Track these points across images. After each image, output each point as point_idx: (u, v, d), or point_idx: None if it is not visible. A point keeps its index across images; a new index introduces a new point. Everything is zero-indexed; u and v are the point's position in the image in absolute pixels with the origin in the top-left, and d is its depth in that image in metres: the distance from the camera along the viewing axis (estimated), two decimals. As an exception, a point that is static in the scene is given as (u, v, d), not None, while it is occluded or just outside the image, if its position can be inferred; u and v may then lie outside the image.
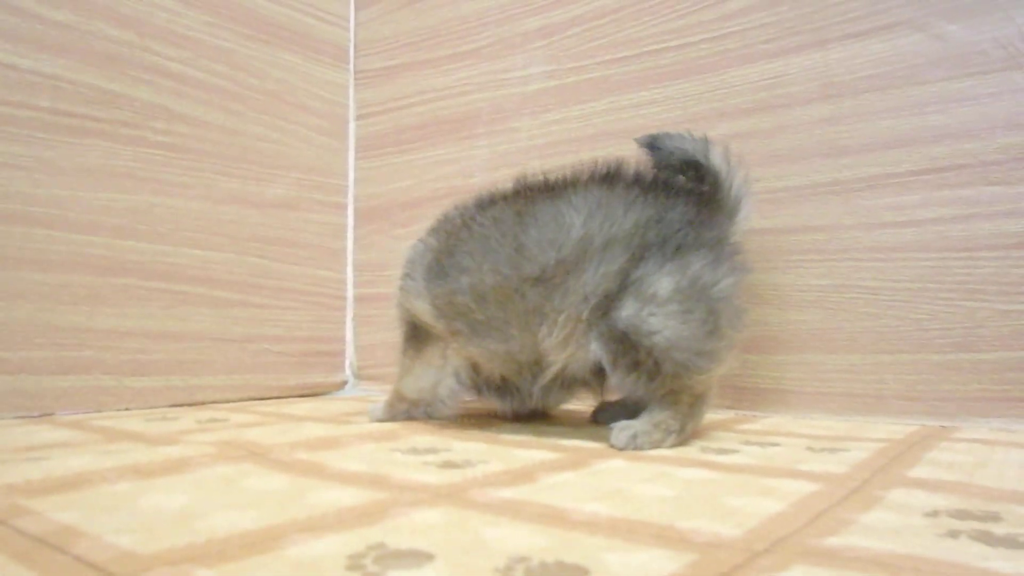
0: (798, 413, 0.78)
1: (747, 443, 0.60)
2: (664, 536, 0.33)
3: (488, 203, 0.70)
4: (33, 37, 0.80)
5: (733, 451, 0.56)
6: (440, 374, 0.70)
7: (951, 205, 0.72)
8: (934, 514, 0.37)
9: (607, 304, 0.59)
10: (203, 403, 0.93)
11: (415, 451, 0.55)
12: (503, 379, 0.68)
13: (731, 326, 0.59)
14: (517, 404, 0.70)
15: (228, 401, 0.96)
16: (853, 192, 0.77)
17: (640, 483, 0.44)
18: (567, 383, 0.66)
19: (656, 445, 0.58)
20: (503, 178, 0.98)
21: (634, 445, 0.57)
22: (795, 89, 0.80)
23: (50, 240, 0.81)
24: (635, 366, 0.57)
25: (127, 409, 0.85)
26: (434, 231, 0.73)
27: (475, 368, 0.69)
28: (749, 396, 0.81)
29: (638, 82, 0.91)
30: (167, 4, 0.92)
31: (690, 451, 0.56)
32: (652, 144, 0.68)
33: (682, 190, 0.64)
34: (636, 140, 0.69)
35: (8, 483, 0.42)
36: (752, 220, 0.66)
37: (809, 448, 0.57)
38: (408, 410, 0.73)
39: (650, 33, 0.90)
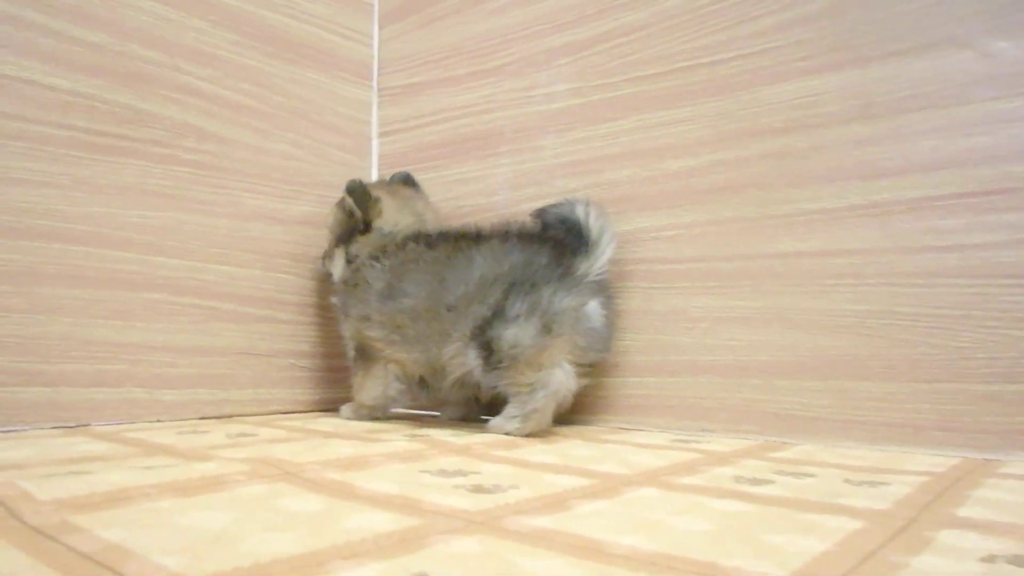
0: (828, 441, 0.77)
1: (780, 472, 0.59)
2: (708, 575, 0.32)
3: (435, 242, 0.89)
4: (69, 58, 0.81)
5: (767, 481, 0.55)
6: (385, 382, 0.91)
7: (998, 230, 0.70)
8: (991, 559, 0.35)
9: (483, 326, 0.80)
10: (230, 416, 0.94)
11: (444, 473, 0.55)
12: (421, 378, 0.90)
13: (571, 329, 0.79)
14: (431, 396, 0.93)
15: (254, 415, 0.97)
16: (892, 215, 0.75)
17: (675, 515, 0.43)
18: (466, 384, 0.86)
19: (506, 431, 0.79)
20: (526, 197, 1.00)
21: (493, 432, 0.80)
22: (831, 108, 0.79)
23: (85, 257, 0.82)
24: (494, 364, 0.79)
25: (158, 421, 0.86)
26: (388, 252, 0.91)
27: (403, 369, 0.90)
28: (776, 422, 0.80)
29: (667, 100, 0.90)
30: (195, 24, 0.93)
31: (723, 480, 0.55)
32: (539, 214, 0.89)
33: (549, 239, 0.84)
34: (530, 215, 0.90)
35: (56, 498, 0.42)
36: (614, 254, 0.84)
37: (847, 480, 0.56)
38: (370, 412, 0.93)
39: (680, 50, 0.90)
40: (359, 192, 0.93)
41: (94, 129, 0.83)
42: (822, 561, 0.35)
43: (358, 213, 0.93)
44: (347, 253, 0.95)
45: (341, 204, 0.96)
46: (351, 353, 0.95)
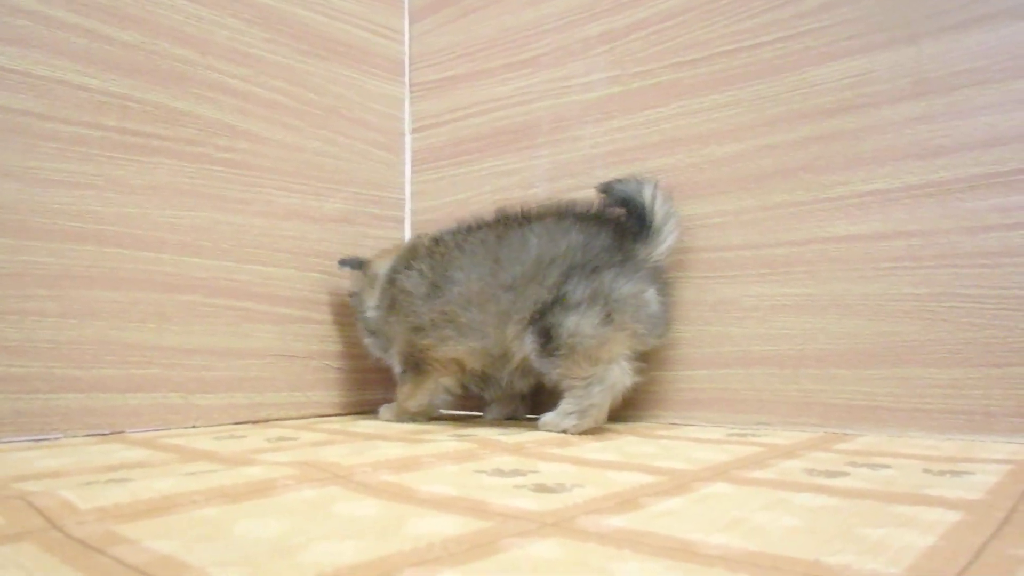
0: (893, 431, 0.74)
1: (853, 464, 0.56)
2: (816, 575, 0.29)
3: (474, 228, 0.87)
4: (102, 57, 0.80)
5: (842, 473, 0.52)
6: (434, 393, 0.89)
7: (1064, 205, 0.67)
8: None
9: (543, 310, 0.78)
10: (266, 420, 0.93)
11: (501, 473, 0.53)
12: (482, 372, 0.87)
13: (632, 319, 0.77)
14: (494, 390, 0.91)
15: (291, 418, 0.95)
16: (951, 194, 0.72)
17: (758, 511, 0.41)
18: (525, 372, 0.84)
19: (561, 428, 0.77)
20: (565, 188, 0.98)
21: (546, 429, 0.78)
22: (883, 87, 0.76)
23: (119, 258, 0.80)
24: (551, 351, 0.77)
25: (193, 427, 0.85)
26: (426, 255, 0.89)
27: (460, 367, 0.87)
28: (838, 413, 0.77)
29: (709, 85, 0.88)
30: (228, 22, 0.92)
31: (796, 473, 0.52)
32: (605, 189, 0.85)
33: (609, 221, 0.82)
34: (595, 188, 0.86)
35: (98, 507, 0.40)
36: (676, 242, 0.82)
37: (926, 471, 0.53)
38: (411, 418, 0.91)
39: (721, 34, 0.87)
40: (350, 261, 0.98)
41: (127, 129, 0.82)
42: (933, 556, 0.32)
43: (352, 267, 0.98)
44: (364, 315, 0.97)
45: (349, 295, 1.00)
46: (398, 368, 0.92)
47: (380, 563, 0.31)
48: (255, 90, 0.95)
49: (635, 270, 0.78)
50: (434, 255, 0.88)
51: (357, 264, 0.98)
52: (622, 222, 0.82)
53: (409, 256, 0.90)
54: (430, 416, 0.92)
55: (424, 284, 0.86)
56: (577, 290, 0.76)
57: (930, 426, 0.72)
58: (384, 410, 0.94)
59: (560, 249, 0.79)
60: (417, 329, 0.86)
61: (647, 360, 0.84)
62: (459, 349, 0.85)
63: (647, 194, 0.81)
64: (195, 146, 0.88)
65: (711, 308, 0.86)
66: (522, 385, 0.88)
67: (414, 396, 0.89)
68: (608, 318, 0.76)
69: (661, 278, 0.82)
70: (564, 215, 0.83)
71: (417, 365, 0.88)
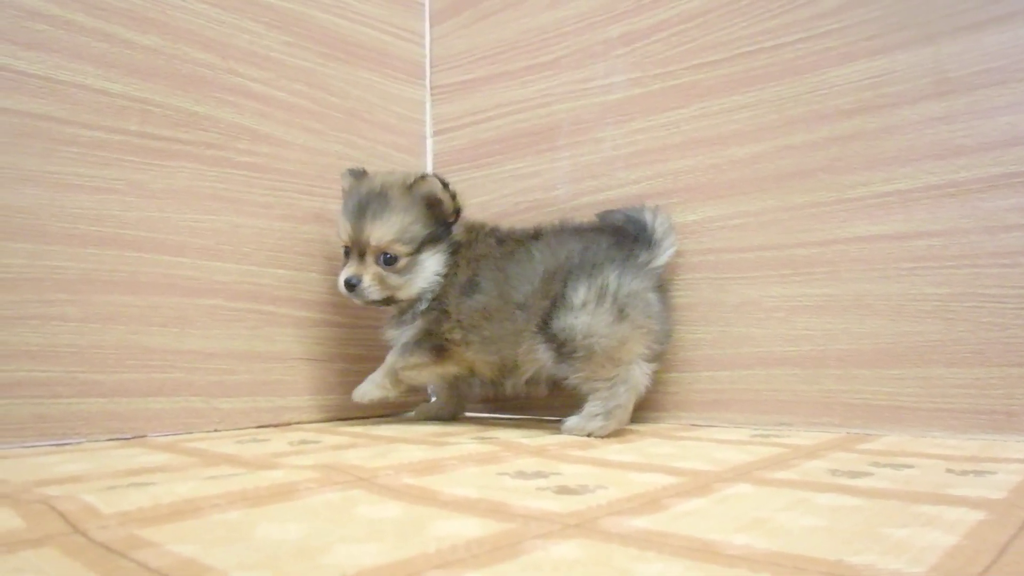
0: (916, 431, 0.73)
1: (876, 464, 0.56)
2: (838, 574, 0.29)
3: (504, 238, 0.88)
4: (123, 62, 0.81)
5: (865, 474, 0.52)
6: (441, 379, 0.91)
7: (1087, 204, 0.66)
8: None
9: (548, 318, 0.78)
10: (289, 423, 0.93)
11: (523, 475, 0.53)
12: (490, 378, 0.88)
13: (644, 315, 0.77)
14: (495, 392, 0.92)
15: (313, 421, 0.96)
16: (972, 194, 0.71)
17: (780, 511, 0.41)
18: (532, 381, 0.86)
19: (588, 432, 0.76)
20: (587, 190, 0.98)
21: (572, 433, 0.76)
22: (903, 87, 0.76)
23: (140, 263, 0.81)
24: (567, 356, 0.77)
25: (215, 431, 0.85)
26: (468, 244, 0.87)
27: (471, 369, 0.88)
28: (860, 413, 0.76)
29: (729, 86, 0.87)
30: (248, 26, 0.93)
31: (818, 474, 0.52)
32: (605, 216, 0.89)
33: (607, 228, 0.85)
34: (595, 215, 0.90)
35: (121, 511, 0.40)
36: (673, 257, 0.84)
37: (949, 471, 0.53)
38: (397, 395, 0.89)
39: (741, 35, 0.87)
40: (443, 179, 0.86)
41: (148, 133, 0.82)
42: (957, 555, 0.32)
43: (449, 202, 0.86)
44: (450, 244, 0.86)
45: (416, 194, 0.85)
46: (408, 337, 0.87)
47: (403, 565, 0.31)
48: (276, 94, 0.95)
49: (638, 269, 0.79)
50: (474, 249, 0.86)
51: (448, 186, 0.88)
52: (622, 228, 0.84)
53: (469, 237, 0.88)
54: (404, 396, 0.91)
55: (465, 275, 0.85)
56: (579, 289, 0.77)
57: (952, 426, 0.71)
58: (368, 383, 0.89)
59: (561, 258, 0.80)
60: (443, 313, 0.85)
61: (659, 361, 0.83)
62: (478, 357, 0.85)
63: (647, 215, 0.84)
64: (216, 150, 0.88)
65: (732, 309, 0.86)
66: (518, 391, 0.88)
67: (421, 374, 0.88)
68: (622, 314, 0.76)
69: (661, 285, 0.84)
70: (564, 229, 0.85)
71: (439, 347, 0.86)
